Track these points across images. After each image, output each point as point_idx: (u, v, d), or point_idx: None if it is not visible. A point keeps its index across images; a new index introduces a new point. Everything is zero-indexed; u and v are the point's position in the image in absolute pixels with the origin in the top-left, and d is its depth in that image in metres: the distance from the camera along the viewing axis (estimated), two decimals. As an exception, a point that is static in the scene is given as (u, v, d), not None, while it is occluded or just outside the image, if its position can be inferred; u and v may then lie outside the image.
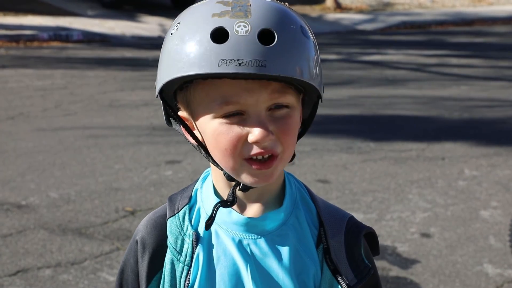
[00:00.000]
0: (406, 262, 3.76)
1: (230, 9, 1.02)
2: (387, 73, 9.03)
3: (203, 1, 1.08)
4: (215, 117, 1.06)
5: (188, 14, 1.07)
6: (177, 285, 1.15)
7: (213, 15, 1.02)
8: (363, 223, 1.23)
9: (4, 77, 8.25)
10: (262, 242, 1.13)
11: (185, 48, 1.03)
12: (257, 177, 1.07)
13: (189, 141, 1.15)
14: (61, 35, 11.07)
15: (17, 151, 5.41)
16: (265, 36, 1.00)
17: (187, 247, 1.14)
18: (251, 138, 1.04)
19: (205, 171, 1.24)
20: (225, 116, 1.05)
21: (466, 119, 6.79)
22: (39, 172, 4.92)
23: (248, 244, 1.13)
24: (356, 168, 5.21)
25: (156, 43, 11.08)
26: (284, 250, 1.13)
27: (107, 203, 4.38)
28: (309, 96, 1.13)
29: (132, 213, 4.26)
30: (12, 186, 4.65)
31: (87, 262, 3.63)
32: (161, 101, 1.14)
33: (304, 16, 14.23)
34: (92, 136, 5.85)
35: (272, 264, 1.13)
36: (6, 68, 8.75)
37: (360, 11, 15.96)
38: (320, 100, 1.13)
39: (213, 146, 1.09)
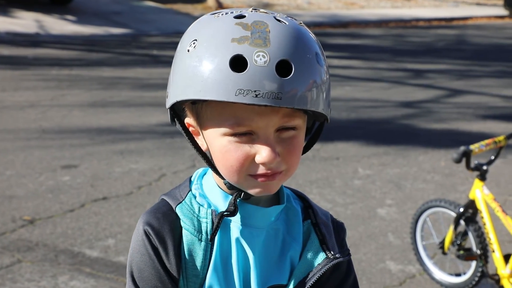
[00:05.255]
0: (314, 262, 3.84)
1: (250, 35, 1.02)
2: (273, 73, 9.17)
3: (219, 17, 1.07)
4: (224, 134, 1.08)
5: (206, 33, 1.05)
6: (199, 266, 1.15)
7: (233, 40, 1.01)
8: None
9: None
10: (263, 234, 1.17)
11: (203, 71, 1.03)
12: (261, 188, 1.11)
13: (194, 147, 1.16)
14: None
15: None
16: (282, 67, 1.01)
17: (205, 225, 1.15)
18: (258, 159, 1.08)
19: (196, 172, 1.24)
20: (235, 134, 1.07)
21: (354, 119, 7.05)
22: None
23: (255, 235, 1.17)
24: (256, 170, 5.24)
25: (34, 40, 10.57)
26: (278, 242, 1.19)
27: (2, 212, 4.13)
28: (316, 117, 1.17)
29: (31, 222, 4.04)
30: None
31: (-14, 277, 3.40)
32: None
33: (186, 15, 14.17)
34: (-24, 140, 5.49)
35: (270, 253, 1.18)
36: None
37: (241, 11, 16.12)
38: (326, 121, 1.16)
39: (219, 160, 1.11)
